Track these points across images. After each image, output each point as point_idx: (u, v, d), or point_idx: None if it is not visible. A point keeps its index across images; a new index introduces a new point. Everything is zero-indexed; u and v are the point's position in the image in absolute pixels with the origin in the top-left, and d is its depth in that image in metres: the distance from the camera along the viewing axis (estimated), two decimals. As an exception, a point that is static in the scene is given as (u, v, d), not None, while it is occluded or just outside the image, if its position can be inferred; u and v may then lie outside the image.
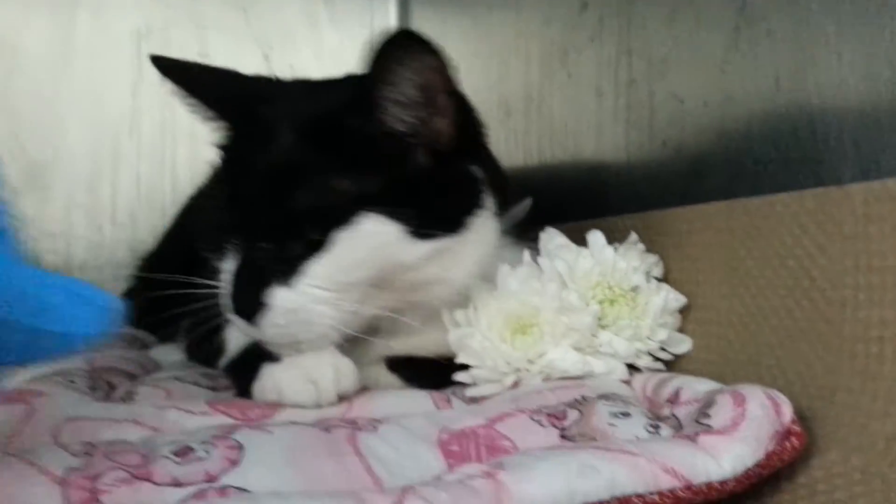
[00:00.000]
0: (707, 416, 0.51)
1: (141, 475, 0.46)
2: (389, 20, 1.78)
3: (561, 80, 1.10)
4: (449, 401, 0.65)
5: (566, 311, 0.69)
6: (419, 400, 0.65)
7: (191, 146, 1.59)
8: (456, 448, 0.52)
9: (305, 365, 0.65)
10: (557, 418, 0.55)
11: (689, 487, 0.46)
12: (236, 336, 0.75)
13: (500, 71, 1.30)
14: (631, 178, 0.94)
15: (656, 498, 0.45)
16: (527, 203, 0.81)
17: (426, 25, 1.69)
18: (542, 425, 0.55)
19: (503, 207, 0.76)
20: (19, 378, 0.72)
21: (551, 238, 0.76)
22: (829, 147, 0.65)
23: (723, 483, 0.47)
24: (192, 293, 0.71)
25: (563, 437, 0.54)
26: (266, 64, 1.66)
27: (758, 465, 0.48)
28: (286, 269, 0.65)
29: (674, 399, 0.58)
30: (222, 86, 0.76)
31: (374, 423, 0.55)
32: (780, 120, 0.70)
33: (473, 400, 0.66)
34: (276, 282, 0.64)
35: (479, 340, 0.70)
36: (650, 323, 0.70)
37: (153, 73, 0.77)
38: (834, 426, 0.54)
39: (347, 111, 0.66)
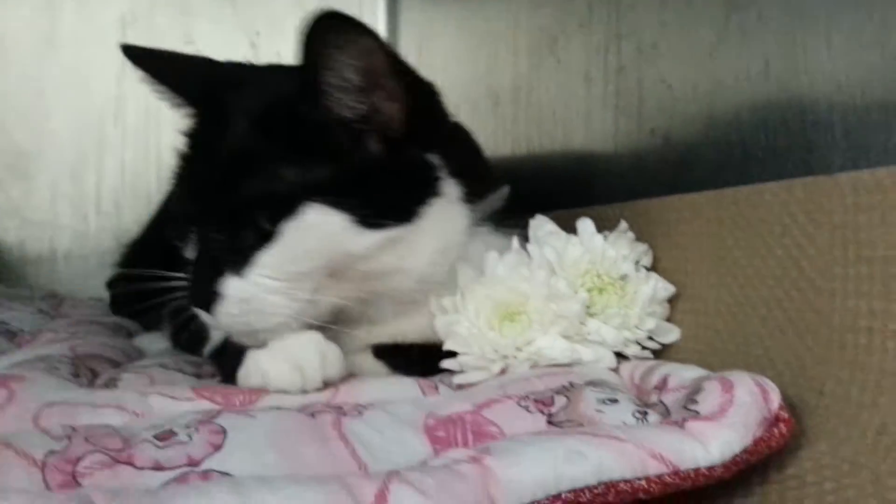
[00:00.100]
0: (695, 402, 0.51)
1: (122, 459, 0.45)
2: (377, 9, 1.77)
3: (550, 67, 1.09)
4: (436, 388, 0.65)
5: (555, 299, 0.69)
6: (406, 386, 0.65)
7: (176, 134, 1.59)
8: (442, 434, 0.52)
9: (291, 350, 0.64)
10: (545, 404, 0.55)
11: (676, 473, 0.46)
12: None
13: (488, 60, 1.30)
14: (619, 166, 0.94)
15: (644, 483, 0.45)
16: (504, 191, 0.80)
17: (415, 13, 1.69)
18: (529, 411, 0.54)
19: (477, 195, 0.75)
20: (2, 363, 0.71)
21: (540, 225, 0.76)
22: (819, 134, 0.65)
23: (710, 469, 0.46)
24: (175, 281, 0.71)
25: (550, 423, 0.53)
26: (253, 51, 1.65)
27: (745, 451, 0.47)
28: (239, 259, 0.64)
29: (661, 386, 0.58)
30: (190, 73, 0.76)
31: (359, 409, 0.55)
32: (770, 107, 0.70)
33: (461, 387, 0.66)
34: (229, 272, 0.64)
35: (466, 327, 0.69)
36: (639, 312, 0.69)
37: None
38: (823, 417, 0.53)
39: (297, 99, 0.65)
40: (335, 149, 0.66)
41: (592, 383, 0.58)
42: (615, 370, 0.67)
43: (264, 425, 0.50)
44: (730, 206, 0.68)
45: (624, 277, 0.71)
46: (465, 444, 0.51)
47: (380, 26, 1.76)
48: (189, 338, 0.83)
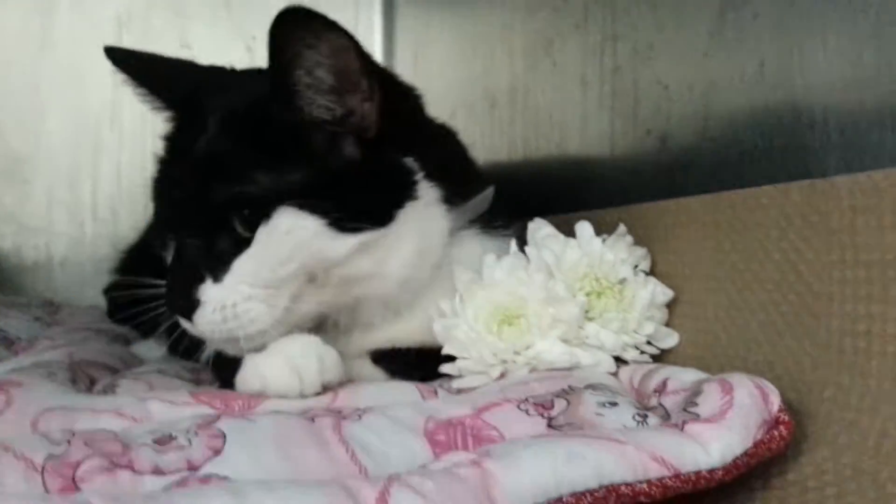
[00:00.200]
0: (694, 404, 0.51)
1: (121, 463, 0.45)
2: (374, 13, 1.77)
3: (546, 69, 1.10)
4: (435, 392, 0.65)
5: (553, 302, 0.69)
6: (405, 391, 0.65)
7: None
8: (442, 437, 0.52)
9: (290, 355, 0.64)
10: (544, 407, 0.55)
11: (677, 476, 0.46)
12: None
13: (484, 62, 1.30)
14: (616, 168, 0.94)
15: (645, 486, 0.45)
16: (488, 192, 0.79)
17: (411, 19, 1.69)
18: (529, 414, 0.54)
19: (460, 196, 0.75)
20: (0, 370, 0.71)
21: (538, 228, 0.76)
22: (815, 134, 0.65)
23: (711, 471, 0.46)
24: None
25: (550, 426, 0.53)
26: (249, 55, 1.65)
27: (746, 453, 0.47)
28: (216, 265, 0.64)
29: (661, 389, 0.57)
30: (171, 76, 0.76)
31: (358, 412, 0.54)
32: (765, 108, 0.71)
33: (460, 391, 0.66)
34: (207, 278, 0.64)
35: (464, 331, 0.69)
36: (637, 316, 0.69)
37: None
38: (824, 422, 0.53)
39: (269, 101, 0.65)
40: (309, 151, 0.65)
41: (592, 387, 0.58)
42: (614, 374, 0.67)
43: (264, 429, 0.50)
44: (727, 210, 0.68)
45: (622, 281, 0.71)
46: (466, 448, 0.51)
47: (376, 30, 1.77)
48: (186, 344, 0.82)
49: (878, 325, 0.53)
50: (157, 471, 0.45)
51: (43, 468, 0.44)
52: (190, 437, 0.48)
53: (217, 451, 0.47)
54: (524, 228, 0.78)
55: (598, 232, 0.74)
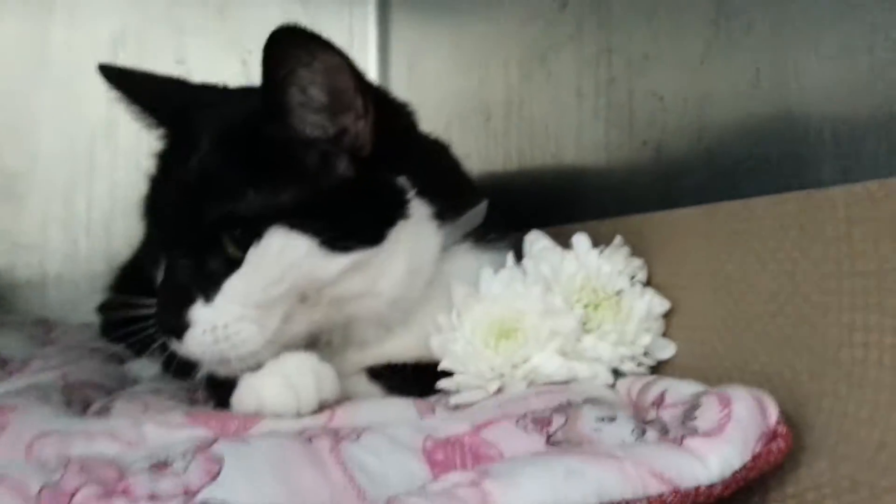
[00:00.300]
0: (693, 418, 0.51)
1: (118, 490, 0.45)
2: (368, 25, 1.78)
3: (540, 80, 1.10)
4: (433, 409, 0.65)
5: (551, 315, 0.68)
6: (402, 408, 0.64)
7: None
8: (441, 457, 0.52)
9: (286, 373, 0.63)
10: (543, 424, 0.54)
11: (676, 491, 0.45)
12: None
13: (479, 74, 1.30)
14: (611, 179, 0.94)
15: (644, 503, 0.45)
16: (481, 207, 0.79)
17: (406, 31, 1.69)
18: (527, 431, 0.54)
19: (453, 212, 0.75)
20: (-7, 392, 0.71)
21: (535, 240, 0.76)
22: (809, 144, 0.65)
23: (710, 486, 0.46)
24: None
25: (549, 442, 0.53)
26: (244, 69, 1.65)
27: (745, 467, 0.47)
28: (207, 285, 0.64)
29: (659, 402, 0.57)
30: (163, 94, 0.76)
31: (356, 432, 0.54)
32: (761, 117, 0.71)
33: (458, 407, 0.66)
34: (198, 298, 0.64)
35: (462, 345, 0.69)
36: (634, 328, 0.69)
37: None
38: (822, 434, 0.53)
39: (262, 120, 0.65)
40: (301, 170, 0.65)
41: (590, 401, 0.58)
42: (612, 386, 0.66)
43: (261, 453, 0.50)
44: (722, 221, 0.68)
45: (619, 293, 0.71)
46: (465, 467, 0.51)
47: (371, 42, 1.77)
48: (180, 363, 0.82)
49: (876, 336, 0.53)
50: (154, 497, 0.44)
51: (39, 497, 0.44)
52: (187, 461, 0.48)
53: (214, 476, 0.47)
54: (520, 240, 0.78)
55: (595, 243, 0.74)
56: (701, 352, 0.68)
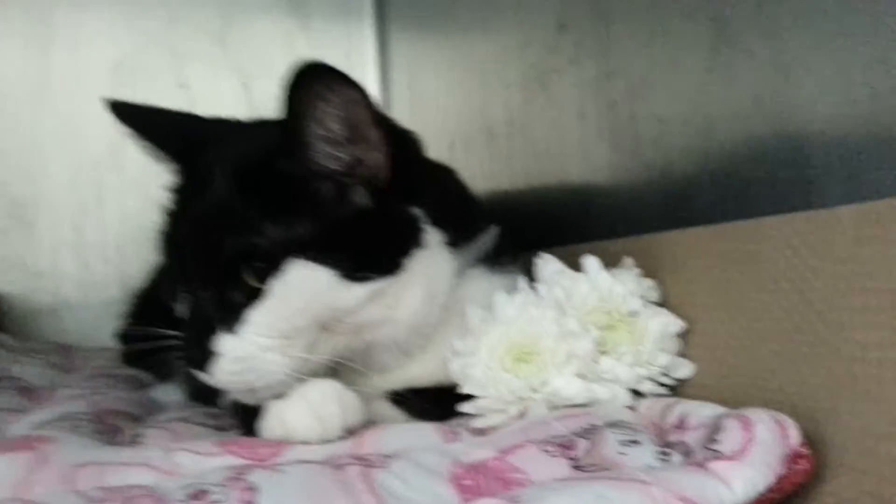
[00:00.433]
0: (716, 441, 0.52)
1: (160, 521, 0.46)
2: (367, 47, 1.79)
3: (542, 103, 1.11)
4: (456, 433, 0.66)
5: (567, 338, 0.70)
6: (426, 433, 0.66)
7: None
8: (469, 482, 0.53)
9: (311, 400, 0.65)
10: (567, 448, 0.56)
11: (703, 514, 0.47)
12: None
13: (481, 95, 1.32)
14: (616, 201, 0.95)
15: (671, 526, 0.46)
16: (493, 232, 0.81)
17: (404, 52, 1.71)
18: (552, 456, 0.55)
19: (464, 238, 0.77)
20: (25, 424, 0.72)
21: (546, 264, 0.77)
22: (814, 165, 0.66)
23: (735, 509, 0.47)
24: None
25: (574, 467, 0.54)
26: (246, 94, 1.67)
27: (769, 488, 0.48)
28: (231, 317, 0.65)
29: (680, 425, 0.58)
30: (174, 129, 0.77)
31: (385, 460, 0.55)
32: (763, 139, 0.72)
33: (480, 431, 0.67)
34: (222, 330, 0.65)
35: (481, 370, 0.70)
36: (650, 348, 0.70)
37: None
38: (842, 450, 0.54)
39: (279, 153, 0.66)
40: (318, 203, 0.67)
41: (612, 425, 0.59)
42: (632, 408, 0.68)
43: (294, 480, 0.51)
44: (733, 241, 0.69)
45: (633, 314, 0.72)
46: (492, 493, 0.52)
47: (370, 65, 1.79)
48: (205, 390, 0.83)
49: (891, 352, 0.54)
50: (196, 528, 0.46)
51: (84, 530, 0.45)
52: (224, 491, 0.49)
53: (251, 505, 0.48)
54: (530, 262, 0.80)
55: (604, 263, 0.75)
56: (718, 371, 0.69)
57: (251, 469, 0.54)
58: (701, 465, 0.50)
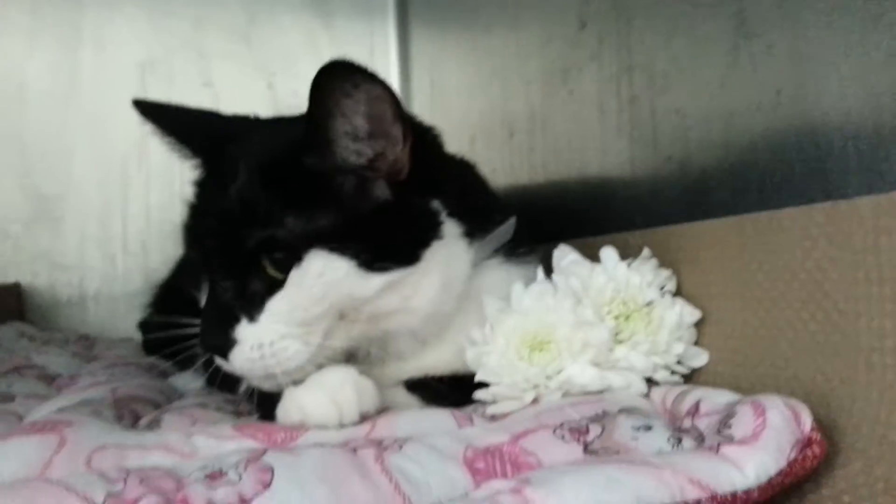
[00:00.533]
0: (728, 426, 0.52)
1: (177, 499, 0.47)
2: (389, 44, 1.81)
3: (563, 98, 1.12)
4: (470, 419, 0.66)
5: (582, 327, 0.70)
6: (441, 418, 0.66)
7: (200, 174, 1.62)
8: (482, 465, 0.53)
9: (328, 386, 0.66)
10: (580, 433, 0.56)
11: (714, 497, 0.47)
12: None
13: (502, 91, 1.32)
14: (636, 194, 0.95)
15: (683, 509, 0.46)
16: (510, 223, 0.82)
17: (426, 49, 1.72)
18: (565, 440, 0.55)
19: (482, 230, 0.77)
20: (46, 409, 0.73)
21: (564, 255, 0.78)
22: (834, 158, 0.66)
23: (747, 492, 0.47)
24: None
25: (586, 451, 0.54)
26: (270, 92, 1.69)
27: (780, 473, 0.48)
28: (251, 306, 0.67)
29: (693, 411, 0.58)
30: (197, 126, 0.79)
31: (399, 443, 0.56)
32: (784, 133, 0.72)
33: (494, 417, 0.67)
34: (242, 318, 0.67)
35: (496, 358, 0.71)
36: (666, 337, 0.71)
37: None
38: (855, 437, 0.54)
39: (303, 148, 0.67)
40: (339, 196, 0.68)
41: (626, 410, 0.59)
42: (646, 396, 0.68)
43: (310, 462, 0.52)
44: (751, 232, 0.69)
45: (650, 304, 0.73)
46: (504, 475, 0.52)
47: (392, 61, 1.80)
48: (224, 377, 0.85)
49: (906, 342, 0.54)
50: (211, 505, 0.47)
51: (103, 506, 0.46)
52: (239, 471, 0.50)
53: (266, 485, 0.49)
54: (548, 254, 0.80)
55: (623, 255, 0.76)
56: (733, 360, 0.69)
57: (268, 451, 0.54)
58: (713, 449, 0.50)
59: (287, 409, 0.66)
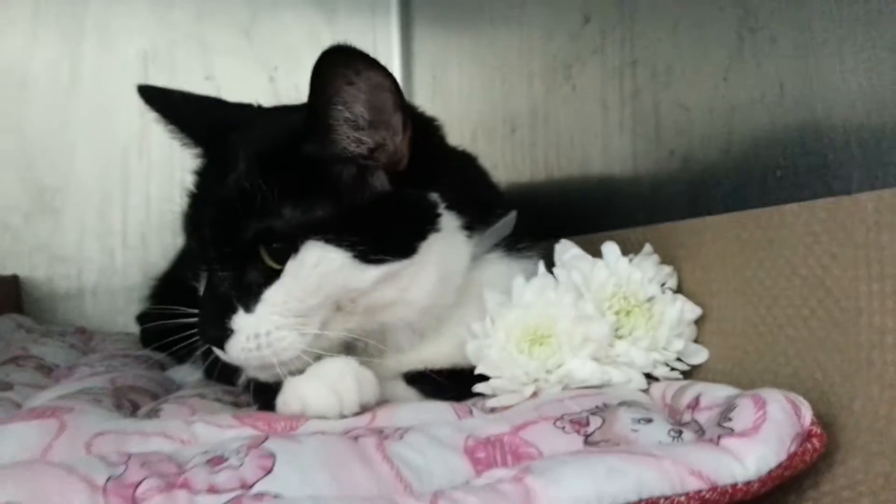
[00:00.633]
0: (728, 419, 0.52)
1: (178, 483, 0.47)
2: (391, 37, 1.81)
3: (565, 93, 1.12)
4: (470, 411, 0.66)
5: (582, 322, 0.70)
6: (440, 410, 0.66)
7: (200, 168, 1.62)
8: (482, 455, 0.53)
9: (329, 376, 0.66)
10: (580, 425, 0.56)
11: (714, 489, 0.47)
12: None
13: (504, 86, 1.32)
14: (639, 189, 0.95)
15: (683, 499, 0.46)
16: (511, 217, 0.82)
17: (428, 44, 1.72)
18: (565, 432, 0.56)
19: (482, 223, 0.77)
20: (45, 397, 0.73)
21: (566, 249, 0.78)
22: (836, 153, 0.66)
23: (747, 484, 0.47)
24: None
25: (586, 443, 0.54)
26: (272, 85, 1.69)
27: (780, 466, 0.49)
28: (248, 296, 0.67)
29: (693, 405, 0.59)
30: (199, 114, 0.79)
31: (400, 432, 0.56)
32: (787, 127, 0.72)
33: (494, 410, 0.67)
34: (239, 308, 0.67)
35: (497, 351, 0.71)
36: (666, 333, 0.71)
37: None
38: (855, 434, 0.54)
39: (303, 137, 0.67)
40: (338, 186, 0.68)
41: (625, 403, 0.59)
42: (645, 391, 0.68)
43: (311, 449, 0.52)
44: (753, 228, 0.69)
45: (650, 300, 0.73)
46: (505, 465, 0.52)
47: (394, 56, 1.80)
48: (222, 369, 0.84)
49: (907, 339, 0.54)
50: (213, 489, 0.47)
51: (105, 489, 0.46)
52: (241, 457, 0.50)
53: (268, 470, 0.49)
54: (549, 249, 0.80)
55: (624, 251, 0.76)
56: (733, 356, 0.69)
57: (269, 438, 0.54)
58: (714, 441, 0.50)
59: (287, 399, 0.66)
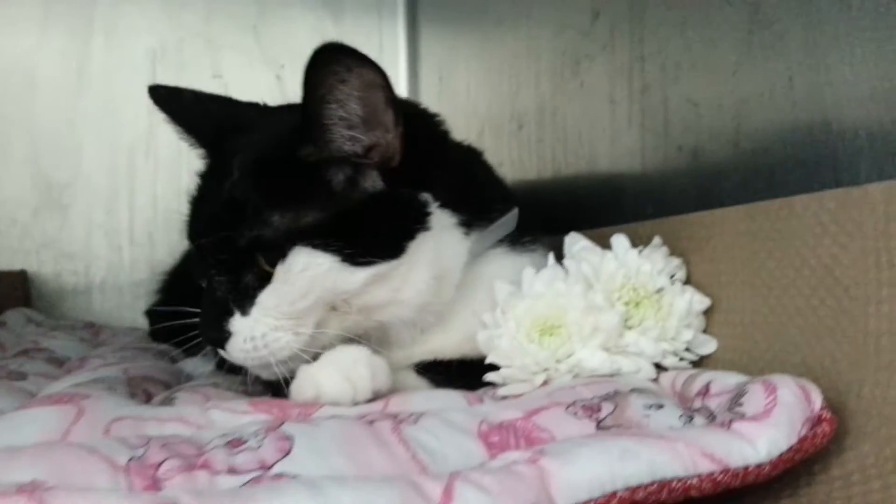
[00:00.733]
0: (740, 404, 0.53)
1: (199, 463, 0.48)
2: (398, 37, 1.82)
3: (573, 90, 1.12)
4: (481, 399, 0.67)
5: (592, 312, 0.71)
6: (452, 398, 0.67)
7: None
8: (496, 439, 0.54)
9: (342, 364, 0.67)
10: (592, 410, 0.57)
11: (726, 471, 0.47)
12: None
13: (511, 84, 1.33)
14: (647, 184, 0.96)
15: (695, 481, 0.47)
16: (513, 214, 0.82)
17: (435, 42, 1.72)
18: (577, 417, 0.56)
19: (483, 219, 0.78)
20: (60, 385, 0.74)
21: (575, 241, 0.78)
22: (845, 146, 0.67)
23: (759, 466, 0.48)
24: None
25: (599, 427, 0.55)
26: (279, 84, 1.70)
27: (791, 449, 0.49)
28: (243, 300, 0.68)
29: (704, 392, 0.59)
30: (205, 115, 0.80)
31: (414, 416, 0.57)
32: (796, 121, 0.73)
33: (505, 398, 0.68)
34: (236, 311, 0.68)
35: (507, 341, 0.72)
36: (675, 324, 0.71)
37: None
38: (864, 419, 0.55)
39: (298, 140, 0.68)
40: (328, 190, 0.69)
41: (637, 390, 0.60)
42: (654, 381, 0.68)
43: (328, 432, 0.53)
44: (762, 219, 0.70)
45: (660, 291, 0.73)
46: (518, 449, 0.53)
47: (400, 53, 1.81)
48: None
49: (915, 326, 0.55)
50: (233, 470, 0.47)
51: (127, 469, 0.47)
52: (259, 439, 0.51)
53: (286, 452, 0.49)
54: (556, 244, 0.81)
55: (634, 244, 0.76)
56: (742, 346, 0.69)
57: (286, 422, 0.55)
58: (725, 425, 0.51)
59: (301, 386, 0.67)
